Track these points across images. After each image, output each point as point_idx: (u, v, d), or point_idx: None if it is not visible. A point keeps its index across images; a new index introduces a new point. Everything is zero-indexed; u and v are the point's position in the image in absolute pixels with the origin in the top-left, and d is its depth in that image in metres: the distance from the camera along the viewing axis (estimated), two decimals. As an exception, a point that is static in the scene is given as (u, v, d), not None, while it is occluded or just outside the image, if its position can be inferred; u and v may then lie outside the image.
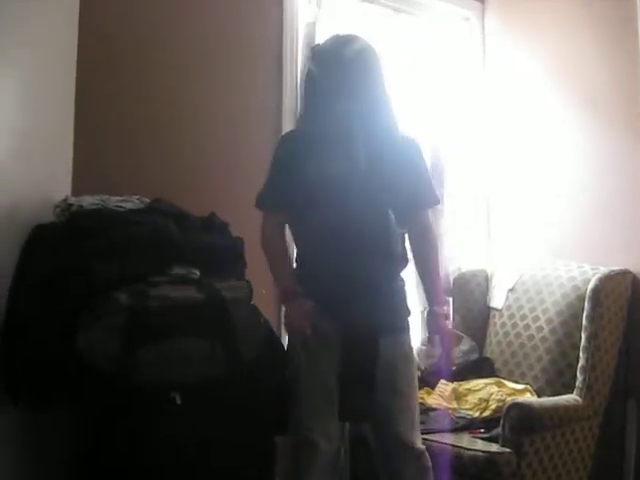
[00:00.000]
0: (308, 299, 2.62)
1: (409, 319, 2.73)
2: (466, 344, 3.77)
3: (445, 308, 2.74)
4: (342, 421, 2.64)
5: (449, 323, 2.75)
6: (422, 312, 3.34)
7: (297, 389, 2.62)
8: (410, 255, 2.75)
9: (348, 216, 2.54)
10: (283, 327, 2.70)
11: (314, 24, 3.70)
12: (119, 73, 3.16)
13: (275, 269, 2.77)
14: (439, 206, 3.16)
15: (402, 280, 2.72)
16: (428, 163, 2.79)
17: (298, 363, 2.63)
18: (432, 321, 2.71)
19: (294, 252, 2.88)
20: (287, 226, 2.84)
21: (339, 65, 2.60)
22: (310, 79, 2.70)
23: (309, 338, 2.59)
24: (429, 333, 2.75)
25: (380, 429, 2.66)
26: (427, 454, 2.66)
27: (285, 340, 2.84)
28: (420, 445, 2.65)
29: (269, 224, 2.76)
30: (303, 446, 2.59)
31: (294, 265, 2.81)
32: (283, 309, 2.74)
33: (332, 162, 2.58)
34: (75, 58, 2.98)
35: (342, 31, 2.76)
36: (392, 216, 2.62)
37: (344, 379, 2.55)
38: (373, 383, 2.53)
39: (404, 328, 2.69)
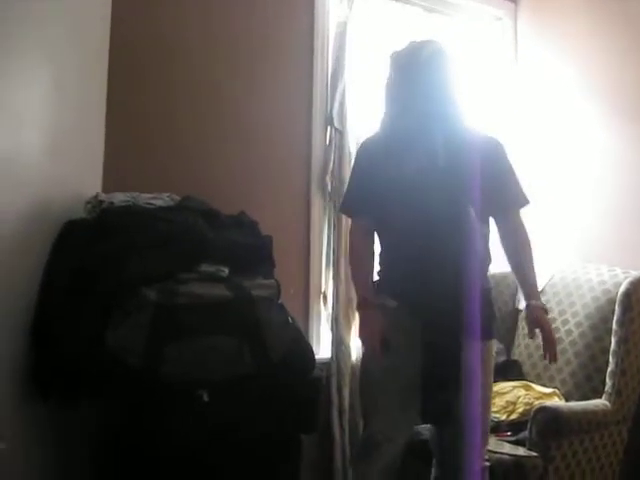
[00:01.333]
0: (386, 307, 2.62)
1: (494, 324, 2.71)
2: (494, 346, 3.74)
3: (541, 302, 2.72)
4: (425, 423, 2.67)
5: (548, 316, 2.73)
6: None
7: (373, 387, 2.63)
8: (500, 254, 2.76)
9: (428, 214, 2.55)
10: (357, 336, 2.71)
11: (345, 24, 3.69)
12: (150, 72, 3.19)
13: (356, 277, 2.80)
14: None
15: (488, 282, 2.71)
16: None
17: (376, 361, 2.62)
18: (531, 315, 2.68)
19: (377, 252, 2.85)
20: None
21: (415, 67, 2.64)
22: (390, 84, 2.72)
23: (390, 337, 2.58)
24: (528, 326, 2.71)
25: (450, 434, 2.64)
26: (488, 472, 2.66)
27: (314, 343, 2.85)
28: (485, 459, 2.66)
29: (355, 230, 2.81)
30: (369, 445, 2.61)
31: (377, 265, 2.79)
32: (357, 317, 2.76)
33: (412, 161, 2.60)
34: (107, 57, 3.01)
35: (417, 38, 2.81)
36: (472, 213, 2.59)
37: (428, 381, 2.54)
38: (458, 385, 2.52)
39: (487, 333, 2.66)
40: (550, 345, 2.67)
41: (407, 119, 2.66)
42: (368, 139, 2.84)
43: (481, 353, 2.61)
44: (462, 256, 2.56)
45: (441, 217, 2.54)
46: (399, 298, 2.60)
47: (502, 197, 2.66)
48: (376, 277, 2.76)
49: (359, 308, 2.71)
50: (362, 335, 2.67)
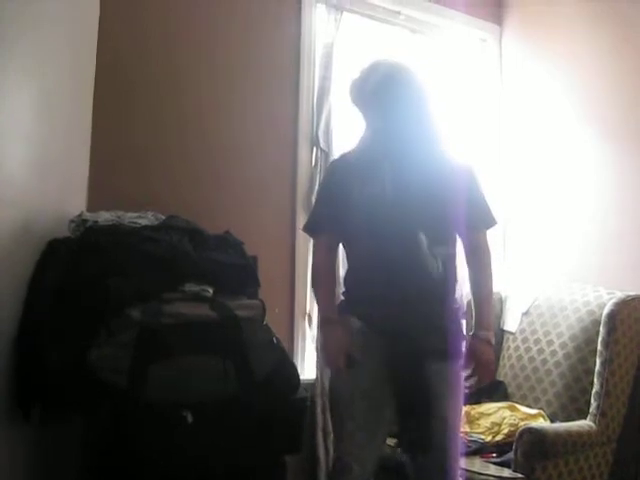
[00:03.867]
0: (347, 328, 2.58)
1: (460, 344, 2.64)
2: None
3: (490, 333, 2.66)
4: (405, 452, 2.62)
5: (491, 350, 2.68)
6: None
7: (341, 409, 2.59)
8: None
9: (382, 240, 2.53)
10: (319, 354, 2.68)
11: (331, 45, 3.71)
12: (135, 90, 3.19)
13: (318, 295, 2.76)
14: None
15: (452, 304, 2.64)
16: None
17: (348, 383, 2.58)
18: (472, 346, 2.64)
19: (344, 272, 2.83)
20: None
21: (365, 94, 2.62)
22: (356, 101, 2.69)
23: (355, 353, 2.55)
24: (467, 357, 2.65)
25: (424, 459, 2.59)
26: None
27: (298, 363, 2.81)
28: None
29: (317, 247, 2.75)
30: (339, 468, 2.57)
31: (342, 285, 2.75)
32: (319, 335, 2.75)
33: (368, 186, 2.58)
34: (93, 75, 3.01)
35: (373, 57, 2.75)
36: (423, 239, 2.55)
37: (402, 410, 2.52)
38: (428, 411, 2.49)
39: (452, 354, 2.59)
40: (481, 377, 2.65)
41: (371, 143, 2.65)
42: (338, 158, 2.82)
43: (448, 374, 2.57)
44: (414, 281, 2.53)
45: (392, 244, 2.52)
46: (363, 319, 2.58)
47: (467, 216, 2.63)
48: (341, 297, 2.73)
49: (321, 325, 2.67)
50: (326, 353, 2.64)
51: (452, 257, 2.65)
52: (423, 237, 2.55)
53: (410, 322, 2.50)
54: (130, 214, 2.79)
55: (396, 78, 2.62)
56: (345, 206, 2.61)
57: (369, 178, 2.59)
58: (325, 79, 3.68)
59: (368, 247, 2.58)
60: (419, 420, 2.51)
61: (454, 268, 2.67)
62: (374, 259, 2.56)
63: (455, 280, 2.67)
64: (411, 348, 2.50)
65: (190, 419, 2.36)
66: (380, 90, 2.58)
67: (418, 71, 2.70)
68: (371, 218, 2.56)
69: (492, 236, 3.02)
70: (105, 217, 2.70)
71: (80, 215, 2.70)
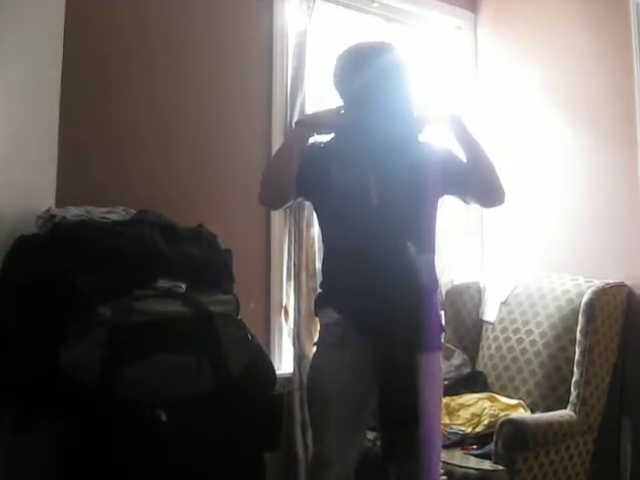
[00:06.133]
0: (331, 322, 2.56)
1: (439, 336, 2.63)
2: (458, 358, 3.72)
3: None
4: (389, 463, 2.56)
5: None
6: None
7: (322, 401, 2.54)
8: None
9: (366, 247, 2.48)
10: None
11: (304, 33, 3.65)
12: (106, 81, 3.12)
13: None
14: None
15: (434, 303, 2.61)
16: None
17: (327, 376, 2.54)
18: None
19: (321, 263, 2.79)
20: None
21: (353, 88, 2.56)
22: (339, 84, 2.63)
23: (339, 351, 2.52)
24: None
25: (411, 465, 2.53)
26: None
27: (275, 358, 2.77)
28: (442, 473, 2.61)
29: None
30: (319, 462, 2.53)
31: (321, 275, 2.72)
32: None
33: (350, 172, 2.53)
34: (60, 64, 2.93)
35: (374, 39, 2.73)
36: (411, 248, 2.50)
37: (387, 417, 2.46)
38: (418, 419, 2.42)
39: (432, 346, 2.56)
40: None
41: (352, 129, 2.58)
42: (315, 143, 2.76)
43: (427, 367, 2.52)
44: (399, 290, 2.47)
45: (379, 252, 2.47)
46: (342, 312, 2.53)
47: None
48: (319, 290, 2.69)
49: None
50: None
51: (434, 264, 2.62)
52: (411, 246, 2.50)
53: (391, 321, 2.45)
54: (100, 209, 2.72)
55: (401, 66, 2.61)
56: (322, 191, 2.56)
57: (351, 168, 2.53)
58: (298, 68, 3.62)
59: (349, 240, 2.53)
60: (404, 423, 2.45)
61: (436, 274, 2.64)
62: (356, 256, 2.50)
63: (437, 286, 2.65)
64: (392, 344, 2.45)
65: (164, 418, 2.31)
66: (370, 87, 2.53)
67: (403, 57, 2.65)
68: (353, 211, 2.51)
69: (470, 225, 3.00)
70: (74, 212, 2.63)
71: (48, 211, 2.63)
